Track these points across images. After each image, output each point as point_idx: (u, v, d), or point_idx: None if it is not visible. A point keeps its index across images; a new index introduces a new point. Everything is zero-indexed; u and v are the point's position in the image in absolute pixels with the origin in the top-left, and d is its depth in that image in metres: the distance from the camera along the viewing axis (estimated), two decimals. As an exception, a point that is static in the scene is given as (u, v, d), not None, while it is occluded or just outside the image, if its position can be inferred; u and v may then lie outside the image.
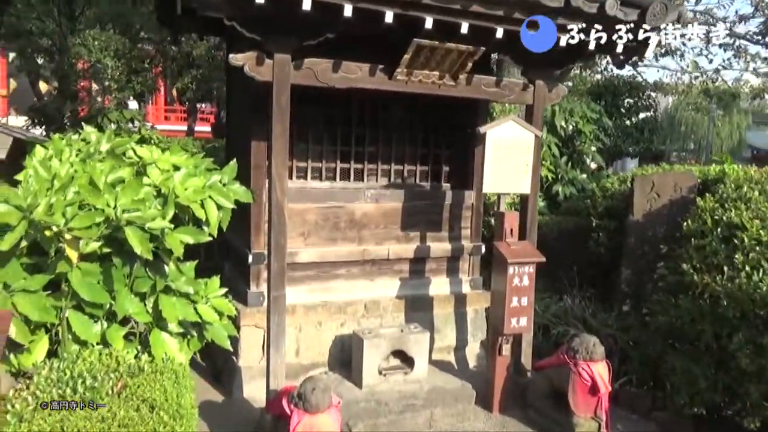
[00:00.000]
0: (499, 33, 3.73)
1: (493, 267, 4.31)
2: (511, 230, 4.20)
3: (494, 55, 5.46)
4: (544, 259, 4.22)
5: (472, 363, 4.96)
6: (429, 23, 3.53)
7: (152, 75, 14.14)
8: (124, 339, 3.28)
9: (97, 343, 3.17)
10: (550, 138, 7.79)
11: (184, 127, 18.36)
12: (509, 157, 4.22)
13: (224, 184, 3.68)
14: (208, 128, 18.08)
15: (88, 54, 10.58)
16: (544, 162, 7.30)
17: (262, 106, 3.95)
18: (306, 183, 4.73)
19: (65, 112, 11.23)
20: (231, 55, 3.61)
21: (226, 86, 6.60)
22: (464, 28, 3.62)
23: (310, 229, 4.60)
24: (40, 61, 14.42)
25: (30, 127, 11.21)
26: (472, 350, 5.06)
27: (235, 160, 3.89)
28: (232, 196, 3.63)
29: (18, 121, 13.58)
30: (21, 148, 3.36)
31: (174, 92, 21.85)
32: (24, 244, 2.71)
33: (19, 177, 3.11)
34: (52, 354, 3.12)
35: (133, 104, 15.75)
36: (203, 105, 19.45)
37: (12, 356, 2.98)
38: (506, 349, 4.26)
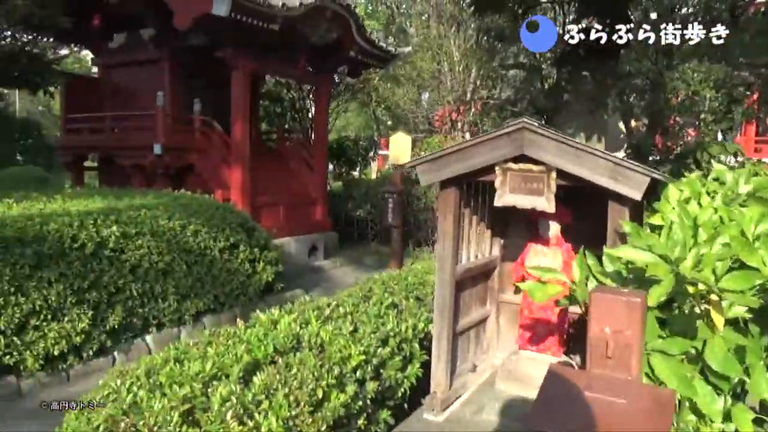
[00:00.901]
0: None
1: None
2: None
3: None
4: None
5: None
6: None
7: (749, 104, 12.71)
8: (753, 424, 2.68)
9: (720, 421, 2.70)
10: None
11: (781, 160, 15.89)
12: None
13: None
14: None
15: (686, 87, 10.31)
16: None
17: None
18: None
19: (654, 148, 11.29)
20: None
21: None
22: None
23: None
24: (631, 99, 15.14)
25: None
26: None
27: None
28: None
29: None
30: (652, 187, 3.21)
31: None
32: (663, 298, 2.47)
33: (654, 221, 2.92)
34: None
35: (718, 137, 14.64)
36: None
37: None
38: None
